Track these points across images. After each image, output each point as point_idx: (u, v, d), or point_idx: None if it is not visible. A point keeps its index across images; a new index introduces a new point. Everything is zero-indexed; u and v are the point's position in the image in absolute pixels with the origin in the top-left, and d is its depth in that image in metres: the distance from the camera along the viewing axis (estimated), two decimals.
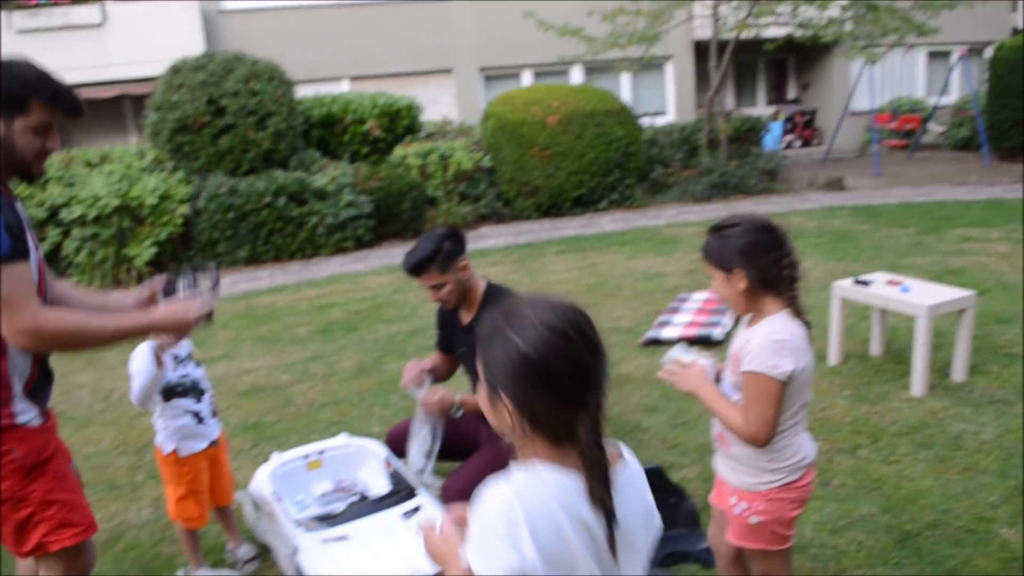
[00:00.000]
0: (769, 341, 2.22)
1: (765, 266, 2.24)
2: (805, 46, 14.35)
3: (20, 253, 2.10)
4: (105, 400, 5.48)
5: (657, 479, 3.36)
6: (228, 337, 6.74)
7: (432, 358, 3.66)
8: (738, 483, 2.39)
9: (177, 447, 3.10)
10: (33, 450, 2.25)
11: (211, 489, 3.26)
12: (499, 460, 3.38)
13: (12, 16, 13.39)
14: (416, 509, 3.12)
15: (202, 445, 3.13)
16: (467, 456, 3.46)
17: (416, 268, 3.27)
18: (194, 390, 3.09)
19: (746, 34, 12.41)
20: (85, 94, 2.41)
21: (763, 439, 2.25)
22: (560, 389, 1.37)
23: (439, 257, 3.23)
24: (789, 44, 13.44)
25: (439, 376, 3.66)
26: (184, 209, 9.42)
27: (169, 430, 3.08)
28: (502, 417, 1.42)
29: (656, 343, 5.55)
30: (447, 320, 3.56)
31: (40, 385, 2.30)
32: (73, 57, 13.67)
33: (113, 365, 5.98)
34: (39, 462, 2.26)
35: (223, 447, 3.30)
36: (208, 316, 2.54)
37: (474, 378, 3.53)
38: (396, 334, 6.40)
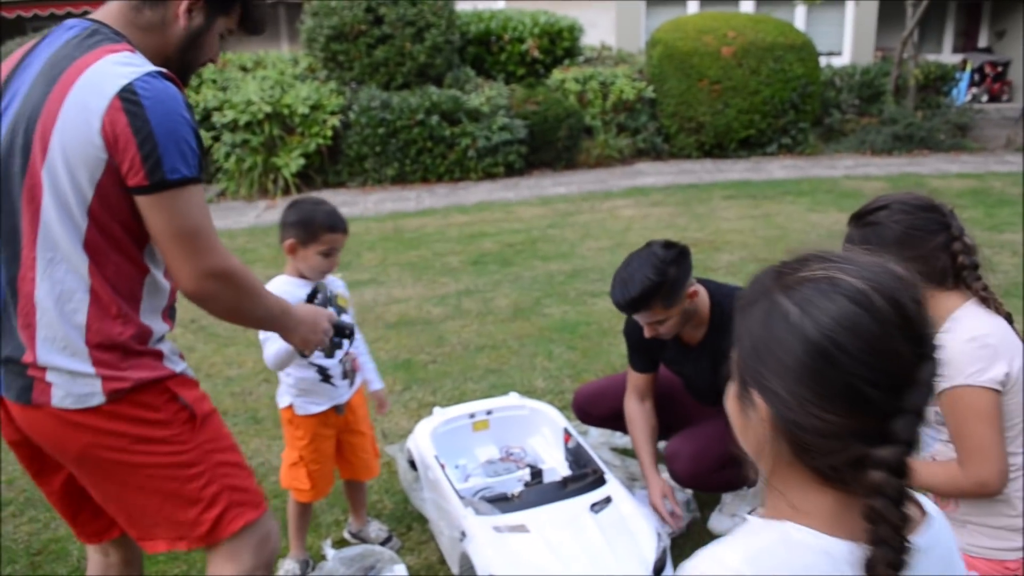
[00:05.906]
0: (961, 343, 1.66)
1: (931, 255, 1.72)
2: None
3: (202, 174, 1.68)
4: None
5: None
6: (375, 260, 6.36)
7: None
8: (975, 550, 1.77)
9: (293, 403, 2.59)
10: (198, 399, 1.78)
11: (342, 459, 2.76)
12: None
13: None
14: (607, 500, 2.59)
15: (322, 407, 2.59)
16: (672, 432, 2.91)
17: (634, 304, 2.46)
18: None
19: None
20: None
21: (993, 479, 1.65)
22: (853, 398, 0.87)
23: (663, 289, 2.43)
24: None
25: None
26: (335, 121, 9.05)
27: (288, 381, 2.58)
28: (751, 431, 0.96)
29: None
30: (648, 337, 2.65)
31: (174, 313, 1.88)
32: None
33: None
34: (205, 414, 1.79)
35: (359, 415, 2.73)
36: (342, 335, 2.13)
37: (706, 403, 2.85)
38: (555, 273, 5.84)
